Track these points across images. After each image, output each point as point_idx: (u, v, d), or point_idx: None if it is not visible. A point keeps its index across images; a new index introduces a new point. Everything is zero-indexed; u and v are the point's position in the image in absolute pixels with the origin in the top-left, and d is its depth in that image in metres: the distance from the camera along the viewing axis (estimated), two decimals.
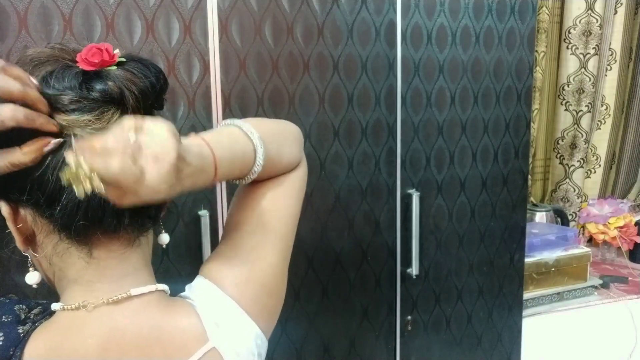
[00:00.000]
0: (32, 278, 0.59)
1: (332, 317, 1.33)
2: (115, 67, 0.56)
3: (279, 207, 0.70)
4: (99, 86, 0.54)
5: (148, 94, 0.57)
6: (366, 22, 1.26)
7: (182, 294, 0.66)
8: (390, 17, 1.28)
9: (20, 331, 0.55)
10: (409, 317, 1.43)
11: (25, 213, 0.56)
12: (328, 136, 1.26)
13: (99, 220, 0.55)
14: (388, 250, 1.38)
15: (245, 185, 0.70)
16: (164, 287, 0.62)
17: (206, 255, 1.14)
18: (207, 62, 1.11)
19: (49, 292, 0.63)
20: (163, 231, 0.65)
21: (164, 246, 0.66)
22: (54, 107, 0.53)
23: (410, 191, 1.37)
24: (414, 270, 1.39)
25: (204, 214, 1.14)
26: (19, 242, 0.57)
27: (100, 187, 0.47)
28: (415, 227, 1.37)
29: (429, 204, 1.41)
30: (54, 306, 0.58)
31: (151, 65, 0.59)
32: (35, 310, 0.59)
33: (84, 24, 1.01)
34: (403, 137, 1.34)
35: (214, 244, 1.16)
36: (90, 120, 0.53)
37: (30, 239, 0.58)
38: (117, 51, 0.57)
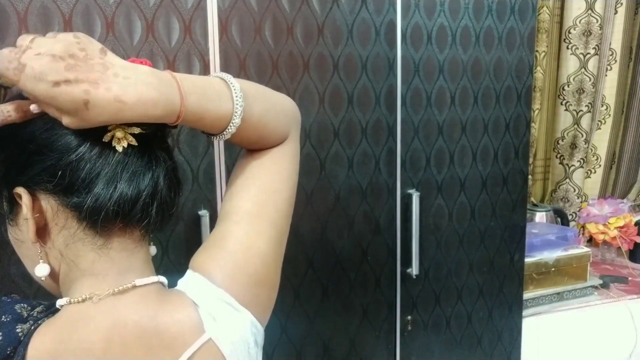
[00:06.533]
0: (42, 270, 0.59)
1: (332, 317, 1.33)
2: None
3: (269, 192, 0.69)
4: None
5: None
6: (366, 22, 1.26)
7: (176, 288, 0.67)
8: (390, 17, 1.28)
9: (19, 330, 0.56)
10: (409, 317, 1.43)
11: (46, 203, 0.57)
12: (328, 136, 1.26)
13: (127, 211, 0.57)
14: (388, 250, 1.38)
15: (240, 158, 0.72)
16: (163, 279, 0.65)
17: None
18: (207, 62, 1.11)
19: (49, 293, 0.63)
20: (152, 244, 0.67)
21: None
22: None
23: (410, 191, 1.37)
24: (414, 270, 1.39)
25: (204, 214, 1.14)
26: (31, 233, 0.57)
27: None
28: (415, 227, 1.37)
29: (429, 204, 1.41)
30: (60, 302, 0.59)
31: None
32: (39, 309, 0.59)
33: (84, 24, 1.01)
34: (403, 137, 1.34)
35: None
36: None
37: (42, 231, 0.58)
38: None
